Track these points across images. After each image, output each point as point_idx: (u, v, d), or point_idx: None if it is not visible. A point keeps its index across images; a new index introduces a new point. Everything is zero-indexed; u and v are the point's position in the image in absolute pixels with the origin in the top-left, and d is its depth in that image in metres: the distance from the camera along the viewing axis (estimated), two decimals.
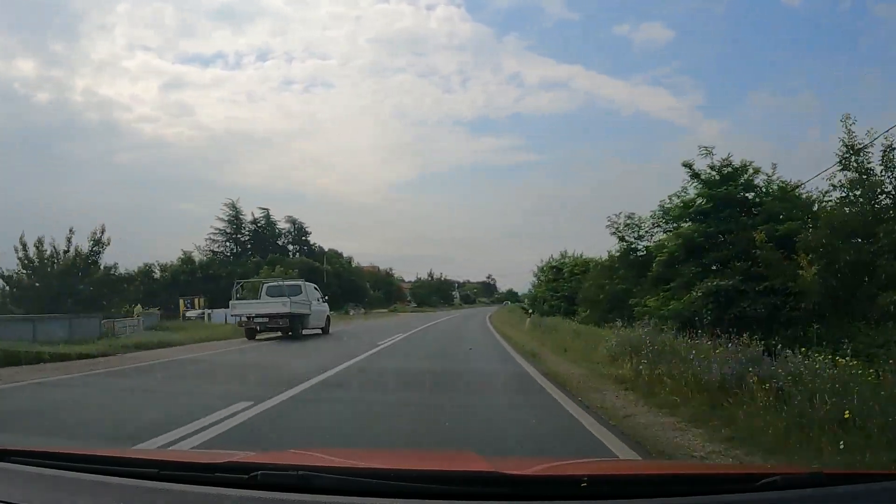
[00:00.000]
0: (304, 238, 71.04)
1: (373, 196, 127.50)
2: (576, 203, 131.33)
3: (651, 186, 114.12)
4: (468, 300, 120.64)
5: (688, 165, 21.57)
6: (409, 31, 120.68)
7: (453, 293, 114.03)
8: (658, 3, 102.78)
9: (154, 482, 1.65)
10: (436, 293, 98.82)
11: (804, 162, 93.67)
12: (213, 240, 64.80)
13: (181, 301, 39.43)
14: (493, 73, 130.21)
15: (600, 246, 64.46)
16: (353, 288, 65.22)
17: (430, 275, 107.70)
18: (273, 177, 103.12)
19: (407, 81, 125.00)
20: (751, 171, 21.00)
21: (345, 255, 76.49)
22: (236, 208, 66.19)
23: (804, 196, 20.24)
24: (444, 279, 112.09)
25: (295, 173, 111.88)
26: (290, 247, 69.56)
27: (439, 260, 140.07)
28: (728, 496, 1.58)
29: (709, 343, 9.04)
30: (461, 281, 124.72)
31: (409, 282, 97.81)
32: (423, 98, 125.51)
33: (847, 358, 6.82)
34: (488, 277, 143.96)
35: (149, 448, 4.93)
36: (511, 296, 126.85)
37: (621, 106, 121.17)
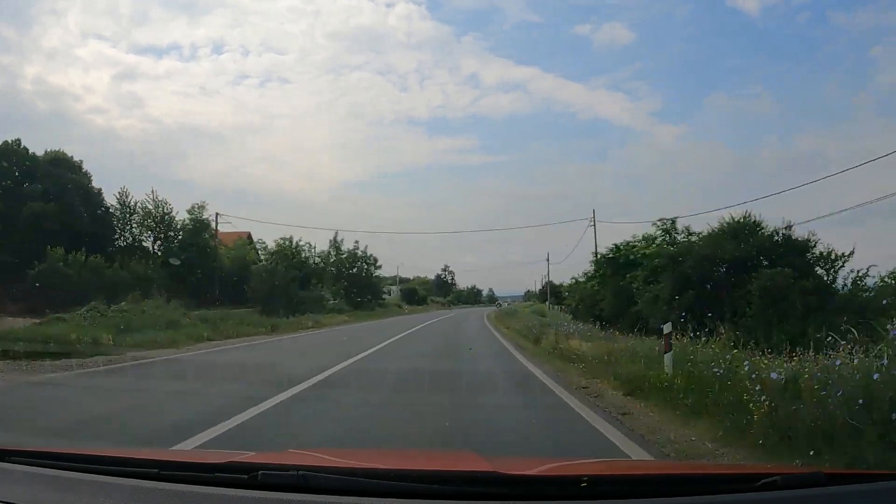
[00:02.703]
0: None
1: (326, 194, 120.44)
2: (533, 204, 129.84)
3: (607, 187, 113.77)
4: (413, 297, 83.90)
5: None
6: (367, 27, 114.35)
7: (386, 288, 71.16)
8: (619, 7, 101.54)
9: (154, 482, 1.65)
10: (341, 282, 53.48)
11: (769, 166, 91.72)
12: None
13: None
14: (451, 73, 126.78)
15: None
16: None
17: (335, 243, 55.89)
18: (224, 173, 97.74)
19: (364, 79, 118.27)
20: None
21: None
22: None
23: None
24: (363, 254, 57.96)
25: (247, 169, 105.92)
26: None
27: (392, 259, 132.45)
28: (728, 496, 1.58)
29: None
30: (409, 277, 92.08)
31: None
32: (379, 96, 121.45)
33: None
34: (444, 269, 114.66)
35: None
36: (474, 294, 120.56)
37: (579, 109, 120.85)
